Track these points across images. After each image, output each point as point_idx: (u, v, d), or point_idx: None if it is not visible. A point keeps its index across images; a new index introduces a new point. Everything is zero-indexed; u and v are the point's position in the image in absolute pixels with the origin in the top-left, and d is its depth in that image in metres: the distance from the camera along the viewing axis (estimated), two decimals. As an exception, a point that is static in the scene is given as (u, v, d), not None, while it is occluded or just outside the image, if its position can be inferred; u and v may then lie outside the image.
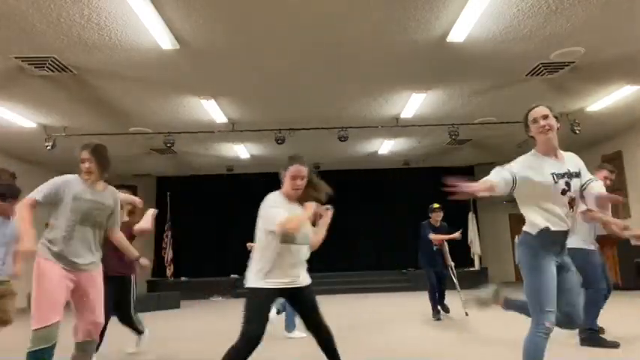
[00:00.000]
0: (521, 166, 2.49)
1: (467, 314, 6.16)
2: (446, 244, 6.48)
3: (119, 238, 3.24)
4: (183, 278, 12.04)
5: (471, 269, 11.85)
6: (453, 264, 6.62)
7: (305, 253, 2.88)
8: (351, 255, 12.59)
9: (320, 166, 12.23)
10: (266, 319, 2.70)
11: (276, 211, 2.71)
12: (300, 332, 5.12)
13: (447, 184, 2.25)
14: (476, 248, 12.18)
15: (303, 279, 2.86)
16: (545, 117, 2.55)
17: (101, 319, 2.95)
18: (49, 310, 2.70)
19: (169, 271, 12.17)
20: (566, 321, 2.52)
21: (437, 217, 6.36)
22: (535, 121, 2.56)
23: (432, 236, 6.19)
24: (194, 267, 12.08)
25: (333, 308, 7.47)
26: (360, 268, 12.34)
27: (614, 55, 6.05)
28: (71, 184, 2.93)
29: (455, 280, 6.56)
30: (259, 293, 2.71)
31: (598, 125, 9.04)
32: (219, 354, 2.61)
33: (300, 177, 2.83)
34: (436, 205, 6.38)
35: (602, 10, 4.91)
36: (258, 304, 2.70)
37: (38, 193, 2.86)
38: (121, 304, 4.13)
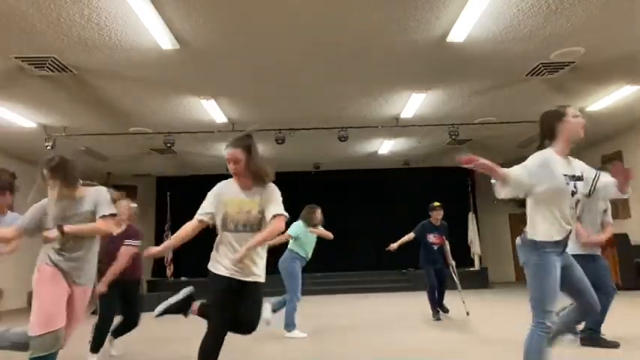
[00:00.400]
0: (538, 161, 2.51)
1: (468, 314, 6.17)
2: (447, 243, 6.44)
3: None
4: (183, 278, 12.04)
5: (471, 269, 11.86)
6: (454, 263, 6.57)
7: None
8: (351, 255, 12.59)
9: (320, 166, 12.25)
10: (224, 307, 2.65)
11: (207, 197, 2.84)
12: (301, 332, 5.12)
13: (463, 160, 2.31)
14: (476, 248, 12.19)
15: (251, 275, 2.73)
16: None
17: (75, 327, 2.91)
18: (56, 315, 2.64)
19: (169, 271, 12.17)
20: (585, 314, 2.70)
21: (437, 216, 6.31)
22: (577, 116, 2.60)
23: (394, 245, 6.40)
24: (194, 267, 12.04)
25: (333, 308, 7.47)
26: (360, 268, 12.34)
27: (614, 55, 6.05)
28: (48, 207, 2.83)
29: (456, 280, 6.53)
30: (212, 277, 2.73)
31: (598, 125, 9.03)
32: (221, 353, 2.61)
33: (230, 161, 2.73)
34: (436, 204, 6.34)
35: (602, 10, 4.91)
36: (213, 289, 2.72)
37: (22, 220, 2.88)
38: (128, 308, 4.13)
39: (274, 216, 2.69)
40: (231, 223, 2.73)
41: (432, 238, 6.26)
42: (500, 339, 4.54)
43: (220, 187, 2.84)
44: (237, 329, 2.76)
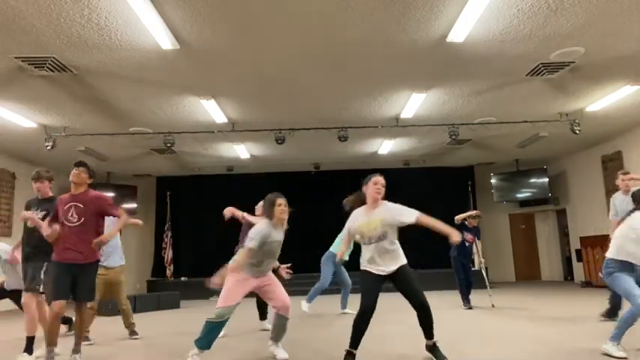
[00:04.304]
0: None
1: (493, 306, 7.25)
2: (478, 242, 7.85)
3: None
4: (183, 278, 12.05)
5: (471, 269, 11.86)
6: (483, 260, 8.16)
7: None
8: (352, 255, 12.58)
9: (320, 166, 12.25)
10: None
11: None
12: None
13: None
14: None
15: (393, 265, 3.93)
16: None
17: None
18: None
19: (169, 271, 12.18)
20: None
21: (472, 222, 7.57)
22: None
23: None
24: (194, 267, 12.07)
25: (333, 308, 7.48)
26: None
27: (614, 55, 6.05)
28: None
29: (484, 275, 7.94)
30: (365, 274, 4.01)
31: (598, 125, 9.04)
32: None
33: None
34: (475, 214, 7.72)
35: (602, 10, 4.91)
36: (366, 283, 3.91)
37: None
38: None
39: None
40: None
41: (467, 236, 7.44)
42: (506, 335, 4.54)
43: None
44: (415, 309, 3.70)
